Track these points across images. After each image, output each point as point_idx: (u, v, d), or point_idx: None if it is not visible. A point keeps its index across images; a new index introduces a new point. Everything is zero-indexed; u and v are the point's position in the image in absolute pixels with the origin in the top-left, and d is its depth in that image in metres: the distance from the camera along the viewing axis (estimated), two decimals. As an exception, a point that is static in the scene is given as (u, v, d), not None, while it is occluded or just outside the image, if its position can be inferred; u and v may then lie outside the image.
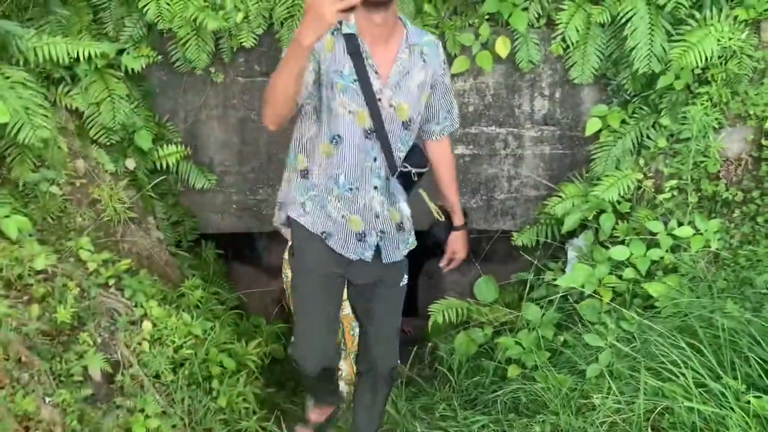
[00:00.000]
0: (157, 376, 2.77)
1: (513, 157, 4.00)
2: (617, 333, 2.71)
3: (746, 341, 2.29)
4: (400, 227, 2.41)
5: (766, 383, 2.17)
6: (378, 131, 2.21)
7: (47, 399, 2.30)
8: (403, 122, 2.27)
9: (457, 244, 2.66)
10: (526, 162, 4.00)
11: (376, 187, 2.29)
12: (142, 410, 2.56)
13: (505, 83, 3.88)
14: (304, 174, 2.33)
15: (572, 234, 3.78)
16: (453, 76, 3.83)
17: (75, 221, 3.19)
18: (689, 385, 2.19)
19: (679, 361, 2.29)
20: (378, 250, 2.37)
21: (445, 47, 3.74)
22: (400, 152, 2.31)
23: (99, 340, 2.73)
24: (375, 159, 2.26)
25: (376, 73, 2.17)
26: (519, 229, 4.01)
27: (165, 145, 3.77)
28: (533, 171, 4.01)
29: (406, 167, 2.32)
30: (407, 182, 2.37)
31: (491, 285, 3.54)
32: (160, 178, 3.66)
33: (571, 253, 3.66)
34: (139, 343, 2.79)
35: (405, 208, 2.43)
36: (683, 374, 2.25)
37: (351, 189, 2.28)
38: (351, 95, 2.16)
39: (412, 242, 2.49)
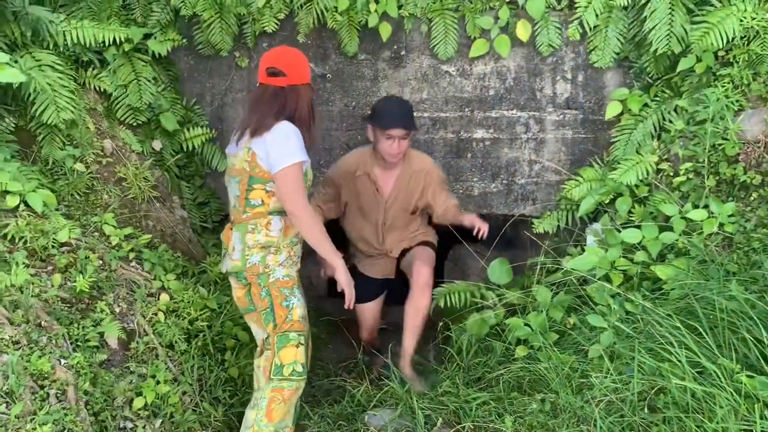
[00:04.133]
0: (170, 346, 2.89)
1: (534, 141, 3.99)
2: (620, 314, 2.69)
3: (746, 323, 2.26)
4: None
5: (763, 364, 2.13)
6: None
7: (62, 361, 2.43)
8: None
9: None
10: (547, 146, 3.98)
11: None
12: (153, 376, 2.68)
13: (527, 66, 3.87)
14: None
15: (595, 219, 3.75)
16: (472, 59, 3.84)
17: (101, 198, 3.34)
18: (684, 365, 2.18)
19: (675, 342, 2.27)
20: None
21: (465, 30, 3.77)
22: None
23: (117, 310, 2.86)
24: None
25: None
26: (540, 214, 4.00)
27: (191, 128, 3.90)
28: (555, 155, 3.99)
29: None
30: None
31: (504, 268, 3.54)
32: (178, 156, 3.79)
33: (590, 238, 3.63)
34: (155, 314, 2.91)
35: None
36: (679, 354, 2.23)
37: None
38: None
39: None
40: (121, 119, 3.58)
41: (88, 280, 2.73)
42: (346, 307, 2.70)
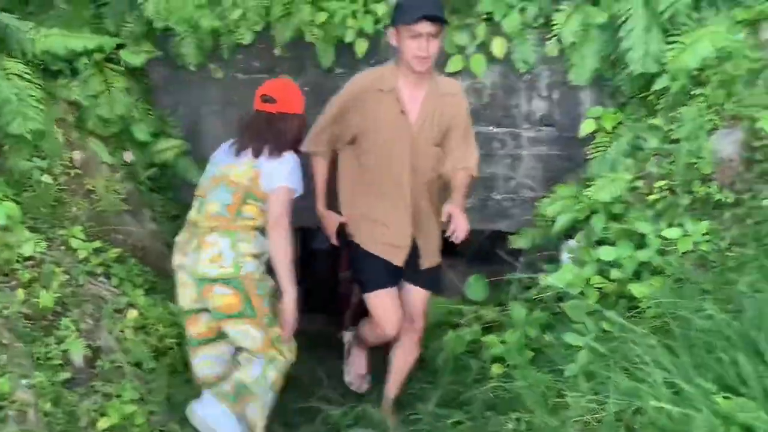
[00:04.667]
0: (138, 364, 2.81)
1: (510, 158, 3.98)
2: (596, 333, 2.67)
3: (722, 343, 2.25)
4: None
5: (738, 386, 2.12)
6: None
7: (24, 381, 2.34)
8: None
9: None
10: (523, 162, 3.98)
11: None
12: (119, 396, 2.59)
13: (503, 83, 3.87)
14: None
15: (572, 235, 3.75)
16: (449, 74, 3.83)
17: (70, 211, 3.25)
18: (659, 386, 2.16)
19: (651, 362, 2.25)
20: None
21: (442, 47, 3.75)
22: None
23: (83, 326, 2.78)
24: None
25: None
26: (516, 230, 3.99)
27: (165, 140, 3.83)
28: (531, 172, 3.99)
29: None
30: None
31: (481, 284, 3.52)
32: (152, 170, 3.71)
33: (565, 255, 3.63)
34: (122, 331, 2.83)
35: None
36: (654, 374, 2.21)
37: None
38: None
39: None
40: (92, 130, 3.50)
41: (53, 296, 2.64)
42: (284, 335, 2.74)
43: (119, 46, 3.62)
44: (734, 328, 2.30)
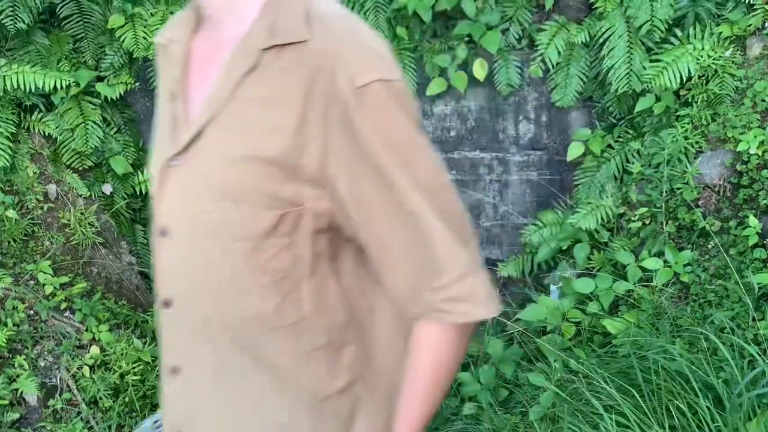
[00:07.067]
0: (95, 402, 2.76)
1: (498, 183, 3.85)
2: (561, 373, 2.51)
3: (687, 387, 2.08)
4: None
5: (699, 435, 1.95)
6: None
7: (-35, 422, 2.31)
8: None
9: None
10: (512, 188, 3.84)
11: None
12: (67, 436, 2.55)
13: (488, 107, 3.75)
14: None
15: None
16: (432, 98, 3.73)
17: (42, 245, 3.25)
18: (611, 434, 2.00)
19: (609, 407, 2.09)
20: None
21: (423, 70, 3.66)
22: None
23: (42, 364, 2.75)
24: None
25: None
26: (506, 257, 3.84)
27: (146, 171, 3.82)
28: (520, 197, 3.85)
29: None
30: None
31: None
32: (128, 200, 3.70)
33: (553, 285, 3.47)
34: (79, 368, 2.79)
35: None
36: (611, 420, 2.05)
37: None
38: None
39: None
40: (68, 163, 3.51)
41: (6, 334, 2.62)
42: None
43: (100, 79, 3.64)
44: (698, 371, 2.13)
